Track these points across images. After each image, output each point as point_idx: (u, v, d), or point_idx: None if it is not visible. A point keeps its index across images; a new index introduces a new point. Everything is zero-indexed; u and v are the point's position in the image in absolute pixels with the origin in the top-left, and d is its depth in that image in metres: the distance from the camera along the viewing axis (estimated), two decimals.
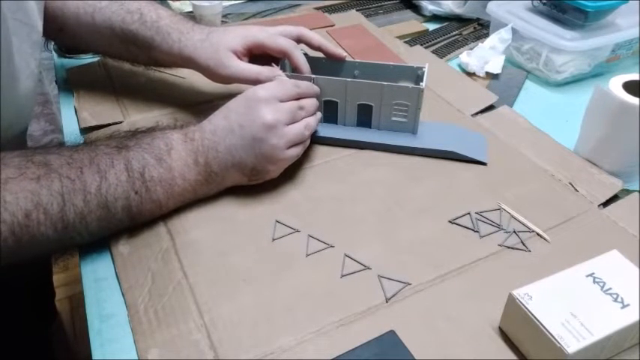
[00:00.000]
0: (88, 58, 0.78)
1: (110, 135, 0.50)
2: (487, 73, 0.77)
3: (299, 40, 0.61)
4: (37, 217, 0.41)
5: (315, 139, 0.61)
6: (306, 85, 0.55)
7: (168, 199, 0.49)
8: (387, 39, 0.86)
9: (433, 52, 0.84)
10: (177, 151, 0.49)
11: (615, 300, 0.38)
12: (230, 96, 0.53)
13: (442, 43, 0.87)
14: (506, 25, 0.78)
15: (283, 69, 0.59)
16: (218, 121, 0.51)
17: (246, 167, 0.50)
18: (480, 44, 0.81)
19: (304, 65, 0.59)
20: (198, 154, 0.49)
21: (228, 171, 0.50)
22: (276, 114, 0.50)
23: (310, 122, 0.54)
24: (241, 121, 0.50)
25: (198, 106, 0.67)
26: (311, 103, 0.55)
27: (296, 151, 0.52)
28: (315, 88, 0.57)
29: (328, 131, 0.61)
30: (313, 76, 0.58)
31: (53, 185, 0.42)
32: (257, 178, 0.52)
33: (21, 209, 0.40)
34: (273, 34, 0.59)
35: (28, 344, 0.80)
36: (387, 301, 0.43)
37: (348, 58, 0.63)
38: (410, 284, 0.45)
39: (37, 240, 0.41)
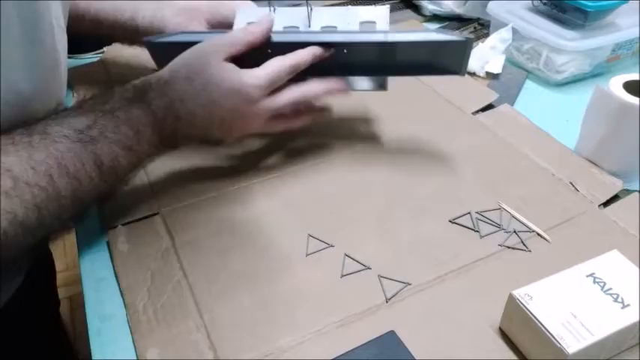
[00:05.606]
0: (88, 58, 0.78)
1: (59, 113, 0.45)
2: (487, 73, 0.77)
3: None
4: (15, 233, 0.39)
5: (276, 46, 0.53)
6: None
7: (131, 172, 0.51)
8: None
9: None
10: (144, 135, 0.47)
11: (615, 300, 0.38)
12: None
13: None
14: (507, 25, 0.78)
15: None
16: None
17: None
18: (480, 44, 0.81)
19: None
20: (164, 131, 0.49)
21: (190, 139, 0.54)
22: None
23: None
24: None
25: None
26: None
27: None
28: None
29: (290, 36, 0.54)
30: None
31: (25, 197, 0.39)
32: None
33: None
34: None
35: (30, 342, 0.80)
36: (387, 301, 0.43)
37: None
38: (410, 284, 0.45)
39: (19, 249, 0.40)
